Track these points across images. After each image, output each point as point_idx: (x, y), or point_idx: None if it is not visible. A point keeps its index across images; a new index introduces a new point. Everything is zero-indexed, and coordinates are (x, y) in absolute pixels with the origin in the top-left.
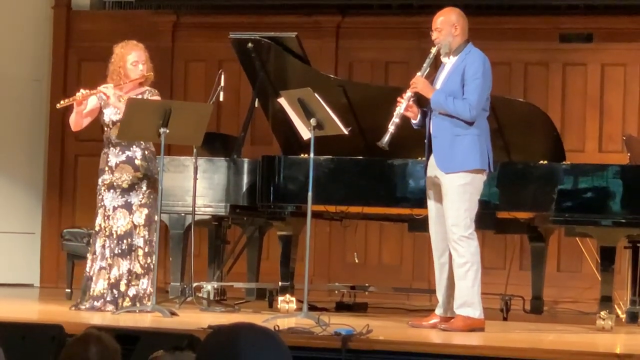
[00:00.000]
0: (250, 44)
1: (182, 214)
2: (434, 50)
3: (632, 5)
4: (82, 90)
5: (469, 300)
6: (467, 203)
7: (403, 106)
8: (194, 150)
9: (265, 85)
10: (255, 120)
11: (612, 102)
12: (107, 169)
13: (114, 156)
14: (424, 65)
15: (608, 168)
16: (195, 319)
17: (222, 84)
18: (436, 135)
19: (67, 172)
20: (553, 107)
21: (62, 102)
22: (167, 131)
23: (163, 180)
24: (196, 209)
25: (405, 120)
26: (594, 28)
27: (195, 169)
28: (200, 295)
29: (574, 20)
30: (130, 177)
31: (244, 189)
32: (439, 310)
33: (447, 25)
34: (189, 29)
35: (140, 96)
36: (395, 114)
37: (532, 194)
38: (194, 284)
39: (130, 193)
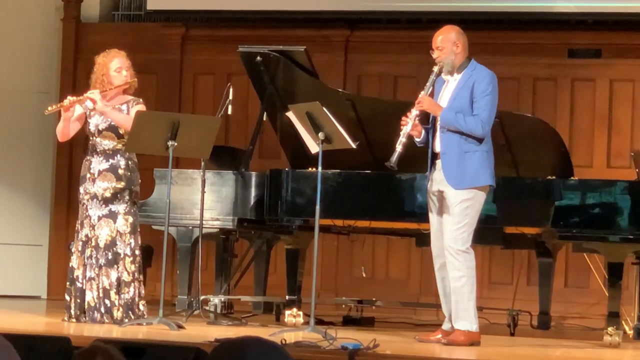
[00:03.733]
0: (259, 58)
1: (190, 227)
2: (436, 68)
3: None
4: (69, 97)
5: (466, 314)
6: (468, 218)
7: (409, 125)
8: (202, 163)
9: (273, 99)
10: (263, 133)
11: (621, 117)
12: (88, 176)
13: (97, 164)
14: (427, 84)
15: (616, 184)
16: (202, 332)
17: (231, 97)
18: (445, 152)
19: (75, 184)
20: (561, 122)
21: (50, 108)
22: (175, 144)
23: (171, 193)
24: (204, 222)
25: (409, 138)
26: (603, 44)
27: (203, 182)
28: (208, 308)
29: (582, 35)
30: (113, 186)
31: (252, 202)
32: (446, 326)
33: (448, 43)
34: (197, 42)
35: (124, 105)
36: (402, 133)
37: (539, 209)
38: (201, 297)
39: (114, 202)
